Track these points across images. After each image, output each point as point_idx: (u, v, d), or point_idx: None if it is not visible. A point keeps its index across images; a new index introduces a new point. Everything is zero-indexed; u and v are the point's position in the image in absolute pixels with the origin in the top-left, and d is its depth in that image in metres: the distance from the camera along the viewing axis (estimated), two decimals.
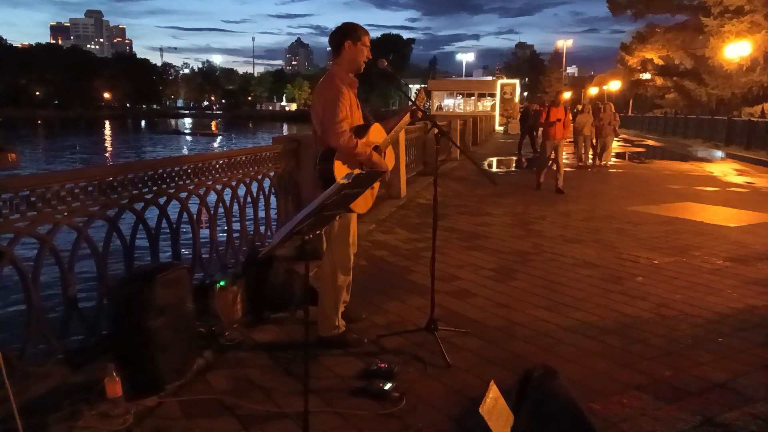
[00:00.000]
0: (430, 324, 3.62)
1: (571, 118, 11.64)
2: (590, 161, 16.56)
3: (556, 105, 10.86)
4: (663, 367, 3.39)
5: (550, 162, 10.95)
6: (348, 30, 3.50)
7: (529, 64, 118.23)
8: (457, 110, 48.11)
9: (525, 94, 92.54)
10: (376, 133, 3.58)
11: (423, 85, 19.09)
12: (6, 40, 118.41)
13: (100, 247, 3.30)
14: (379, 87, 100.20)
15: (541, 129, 11.45)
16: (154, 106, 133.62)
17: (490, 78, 62.08)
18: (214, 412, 2.85)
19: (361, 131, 3.46)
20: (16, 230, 2.76)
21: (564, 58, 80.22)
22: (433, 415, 2.84)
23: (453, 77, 77.98)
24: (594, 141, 17.15)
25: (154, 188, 3.64)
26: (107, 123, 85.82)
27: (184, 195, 3.92)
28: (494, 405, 2.54)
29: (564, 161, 11.45)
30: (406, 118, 3.65)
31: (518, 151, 21.48)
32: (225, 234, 4.55)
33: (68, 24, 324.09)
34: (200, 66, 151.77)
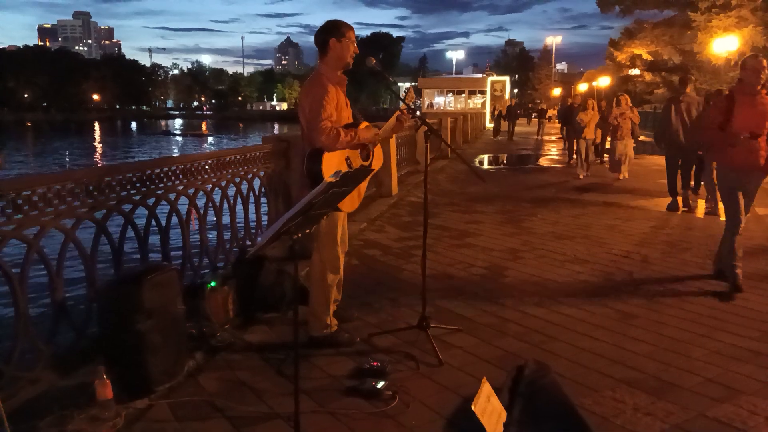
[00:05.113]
0: (422, 322, 3.62)
1: None
2: (586, 172, 12.62)
3: (753, 92, 4.62)
4: (655, 363, 3.40)
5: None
6: (331, 28, 3.50)
7: (518, 61, 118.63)
8: (448, 108, 48.18)
9: (515, 91, 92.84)
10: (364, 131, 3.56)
11: (413, 83, 19.00)
12: None
13: (88, 249, 3.27)
14: (368, 86, 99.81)
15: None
16: (144, 108, 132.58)
17: (480, 75, 62.35)
18: (205, 414, 2.83)
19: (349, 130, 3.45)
20: (2, 233, 2.73)
21: (553, 55, 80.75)
22: (426, 413, 2.84)
23: (443, 75, 78.24)
24: (600, 146, 14.21)
25: (143, 189, 3.61)
26: (97, 125, 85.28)
27: (173, 196, 3.89)
28: (487, 402, 2.53)
29: (554, 157, 10.21)
30: (392, 120, 3.65)
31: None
32: (215, 235, 4.53)
33: (55, 26, 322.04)
34: (189, 66, 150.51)
